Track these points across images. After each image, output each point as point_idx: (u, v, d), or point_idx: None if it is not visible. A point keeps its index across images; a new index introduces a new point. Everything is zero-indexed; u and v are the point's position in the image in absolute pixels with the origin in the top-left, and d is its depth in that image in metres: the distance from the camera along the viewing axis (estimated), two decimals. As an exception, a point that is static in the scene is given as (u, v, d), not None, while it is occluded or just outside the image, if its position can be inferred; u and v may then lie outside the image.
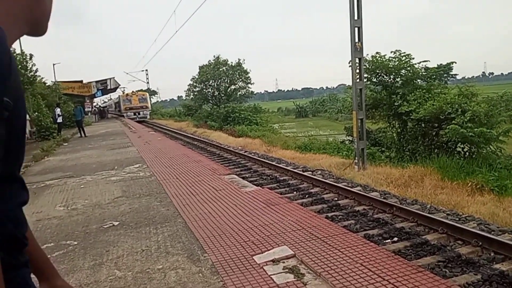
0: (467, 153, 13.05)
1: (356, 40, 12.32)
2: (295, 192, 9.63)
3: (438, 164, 11.73)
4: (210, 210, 5.45)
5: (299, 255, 3.61)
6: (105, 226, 5.18)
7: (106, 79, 45.68)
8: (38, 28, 0.95)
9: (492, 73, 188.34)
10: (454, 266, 5.35)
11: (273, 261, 3.55)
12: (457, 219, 7.20)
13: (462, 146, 13.30)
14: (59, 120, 23.75)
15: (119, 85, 48.45)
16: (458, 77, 19.41)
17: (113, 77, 45.82)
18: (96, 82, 44.53)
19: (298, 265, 3.46)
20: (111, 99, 76.62)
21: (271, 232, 4.30)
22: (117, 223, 5.31)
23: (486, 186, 9.56)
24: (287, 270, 3.36)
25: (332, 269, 3.26)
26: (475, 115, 11.73)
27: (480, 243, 5.75)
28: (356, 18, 12.10)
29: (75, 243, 4.64)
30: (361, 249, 3.63)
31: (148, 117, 48.88)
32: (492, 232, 6.33)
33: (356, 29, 12.24)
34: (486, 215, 7.64)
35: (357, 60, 12.44)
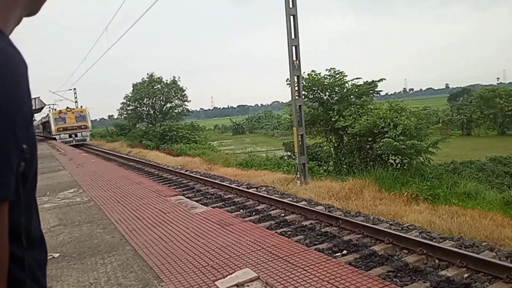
0: (399, 165, 13.82)
1: (294, 58, 12.65)
2: (242, 210, 9.54)
3: (375, 176, 12.29)
4: (160, 235, 5.18)
5: (263, 277, 3.51)
6: (44, 260, 4.70)
7: (30, 99, 41.77)
8: (37, 5, 0.77)
9: (412, 89, 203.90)
10: (403, 275, 5.53)
11: (237, 285, 3.41)
12: (400, 228, 7.52)
13: (394, 158, 14.08)
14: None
15: (45, 105, 44.42)
16: (382, 94, 20.56)
17: (38, 97, 41.77)
18: (19, 102, 40.81)
19: (263, 287, 3.35)
20: (35, 119, 70.46)
21: (230, 254, 4.16)
22: (57, 254, 4.85)
23: (421, 195, 10.13)
24: (253, 294, 3.24)
25: (300, 289, 3.19)
26: (406, 128, 12.49)
27: (425, 251, 6.02)
28: (293, 37, 12.45)
29: (10, 281, 4.14)
30: (324, 265, 3.61)
31: (88, 139, 40.02)
32: (434, 240, 6.67)
33: (294, 47, 12.58)
34: (425, 223, 8.05)
35: (295, 78, 12.75)
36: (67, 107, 39.44)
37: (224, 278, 3.59)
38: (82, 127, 37.91)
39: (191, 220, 5.75)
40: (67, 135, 37.22)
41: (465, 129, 43.97)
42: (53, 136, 37.87)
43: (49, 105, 46.59)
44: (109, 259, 4.50)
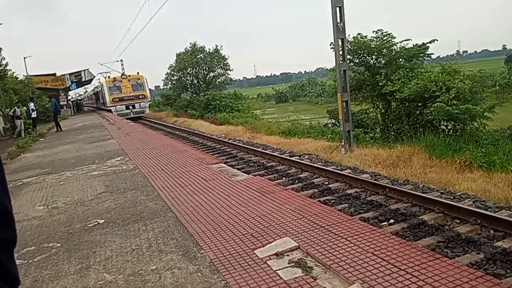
0: (451, 131, 13.05)
1: (338, 20, 12.05)
2: (284, 178, 9.42)
3: (425, 142, 11.68)
4: (201, 202, 5.16)
5: (304, 247, 3.37)
6: (90, 225, 4.84)
7: (80, 71, 42.50)
8: None
9: (466, 51, 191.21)
10: (455, 246, 5.23)
11: (276, 254, 3.30)
12: (451, 197, 7.11)
13: (446, 124, 13.30)
14: (34, 115, 22.92)
15: (94, 76, 45.43)
16: (433, 56, 19.28)
17: (87, 69, 42.80)
18: (70, 74, 41.97)
19: (304, 257, 3.22)
20: (86, 91, 72.46)
21: (270, 222, 4.05)
22: (102, 221, 4.97)
23: (475, 162, 9.53)
24: (293, 264, 3.12)
25: (342, 260, 3.03)
26: (460, 92, 11.68)
27: (479, 221, 5.64)
28: (337, -3, 11.81)
29: (58, 245, 4.30)
30: (368, 236, 3.42)
31: (147, 111, 34.66)
32: (489, 209, 6.24)
33: (338, 9, 11.96)
34: (479, 191, 7.57)
35: (339, 41, 12.19)
36: (122, 74, 34.21)
37: (263, 246, 3.50)
38: (140, 96, 32.73)
39: (232, 187, 5.69)
40: (124, 106, 32.22)
41: (525, 92, 40.83)
42: (108, 108, 32.94)
43: (101, 73, 43.61)
44: (151, 225, 4.55)
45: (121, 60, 49.86)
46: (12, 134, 21.74)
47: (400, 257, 2.97)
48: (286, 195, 4.99)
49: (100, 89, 37.75)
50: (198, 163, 8.10)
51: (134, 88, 32.64)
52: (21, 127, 21.51)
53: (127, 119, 27.77)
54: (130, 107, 32.38)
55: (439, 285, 2.53)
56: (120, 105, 32.05)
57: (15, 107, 21.96)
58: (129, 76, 33.55)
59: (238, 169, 9.90)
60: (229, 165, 9.61)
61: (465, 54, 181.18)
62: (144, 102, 33.06)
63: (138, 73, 34.39)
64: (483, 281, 2.54)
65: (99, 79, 42.36)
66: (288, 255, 3.29)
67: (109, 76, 35.82)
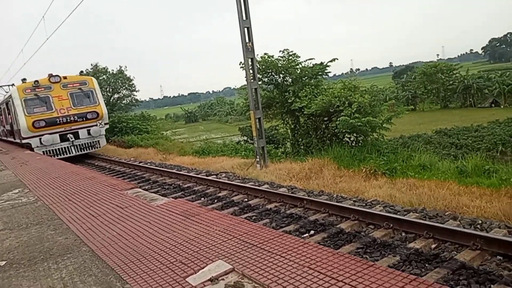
0: (354, 142, 14.01)
1: (247, 40, 12.35)
2: (203, 198, 9.25)
3: (333, 154, 12.36)
4: (120, 232, 4.77)
5: (239, 268, 3.25)
6: (-12, 270, 4.19)
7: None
8: None
9: (358, 69, 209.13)
10: (373, 250, 5.51)
11: (211, 280, 3.13)
12: (363, 204, 7.54)
13: (349, 136, 14.25)
14: None
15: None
16: (330, 75, 20.73)
17: None
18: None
19: (240, 280, 3.10)
20: None
21: (199, 247, 3.86)
22: (3, 262, 4.33)
23: (379, 170, 10.27)
24: (230, 288, 2.98)
25: (280, 278, 2.97)
26: (361, 106, 12.62)
27: (391, 225, 6.04)
28: (244, 18, 12.14)
29: None
30: (302, 250, 3.41)
31: (104, 142, 19.59)
32: (398, 213, 6.72)
33: (246, 29, 12.28)
34: (386, 197, 8.14)
35: (249, 61, 12.48)
36: (51, 75, 18.18)
37: (195, 273, 3.31)
38: (88, 116, 18.43)
39: (152, 213, 5.37)
40: (57, 135, 17.88)
41: (411, 104, 45.77)
42: (25, 141, 18.09)
43: (1, 86, 30.57)
44: (64, 263, 4.07)
45: (13, 84, 45.20)
46: None
47: (337, 268, 3.00)
48: (211, 216, 4.83)
49: (5, 105, 21.17)
50: (110, 189, 7.55)
51: (77, 100, 18.44)
52: None
53: (62, 159, 16.15)
54: (70, 136, 18.13)
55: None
56: (50, 133, 17.72)
57: None
58: (65, 78, 18.44)
59: (154, 192, 9.46)
60: (144, 189, 9.15)
61: (357, 71, 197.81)
62: (96, 125, 18.69)
63: (81, 72, 21.30)
64: (402, 278, 2.66)
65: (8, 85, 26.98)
66: (223, 279, 3.15)
67: (23, 81, 18.75)
